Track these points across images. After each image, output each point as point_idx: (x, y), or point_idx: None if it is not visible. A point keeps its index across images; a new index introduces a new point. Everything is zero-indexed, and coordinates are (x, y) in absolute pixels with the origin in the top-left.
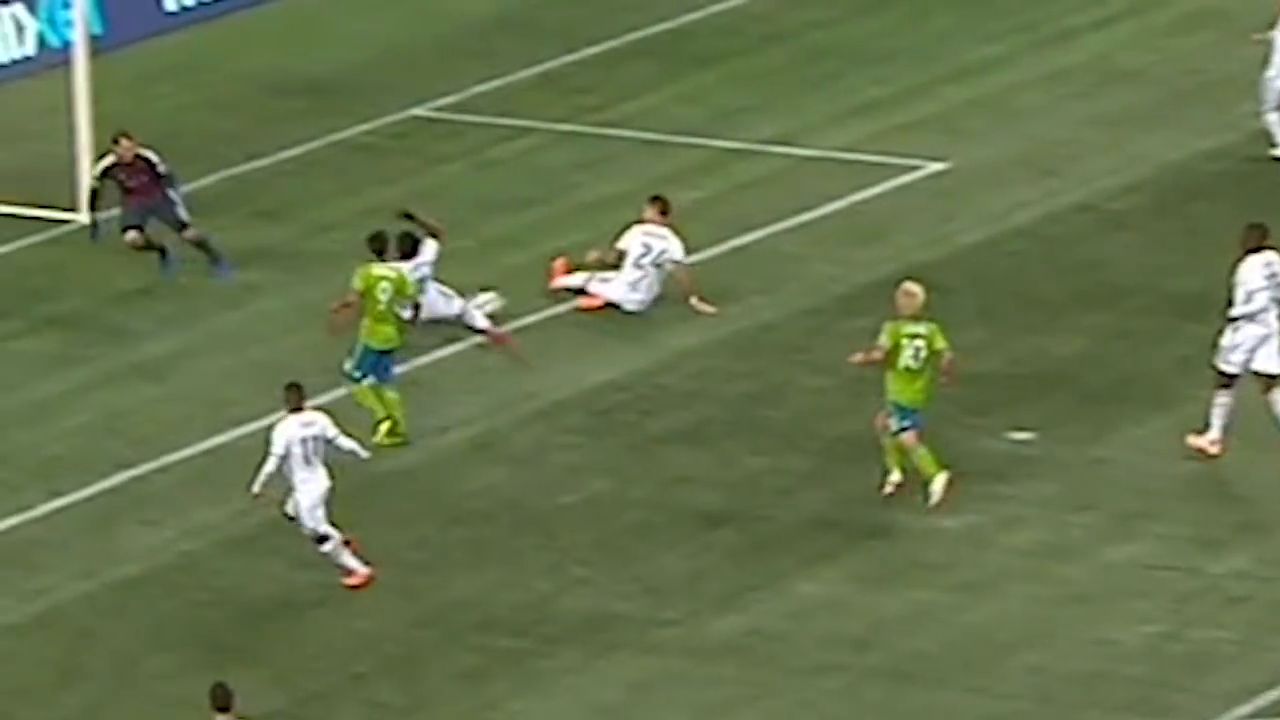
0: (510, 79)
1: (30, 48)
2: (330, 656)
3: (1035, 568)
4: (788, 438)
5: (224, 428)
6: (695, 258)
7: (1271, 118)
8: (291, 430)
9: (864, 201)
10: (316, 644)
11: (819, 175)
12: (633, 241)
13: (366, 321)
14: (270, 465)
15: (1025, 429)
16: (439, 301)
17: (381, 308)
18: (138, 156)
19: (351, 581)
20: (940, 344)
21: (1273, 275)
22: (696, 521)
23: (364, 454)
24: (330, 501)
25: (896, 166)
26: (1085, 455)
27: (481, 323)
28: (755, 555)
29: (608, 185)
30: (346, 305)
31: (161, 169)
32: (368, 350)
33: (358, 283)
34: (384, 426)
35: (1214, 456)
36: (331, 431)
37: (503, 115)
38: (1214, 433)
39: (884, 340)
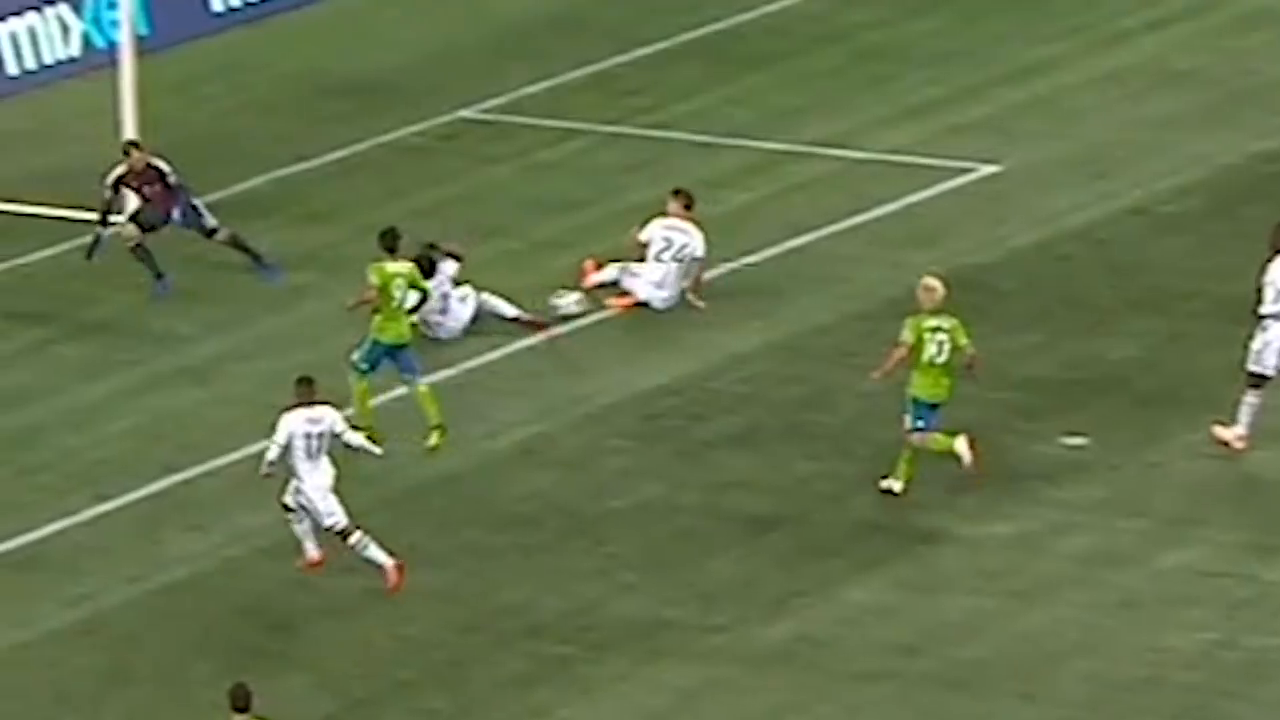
0: (560, 80)
1: (75, 49)
2: (376, 663)
3: (1087, 574)
4: (838, 442)
5: (270, 432)
6: (746, 260)
7: None
8: (296, 424)
9: (916, 204)
10: (363, 650)
11: (871, 177)
12: (654, 235)
13: (379, 318)
14: (271, 454)
15: (1077, 434)
16: (461, 310)
17: (396, 304)
18: (149, 165)
19: (390, 578)
20: (963, 340)
21: None
22: (746, 527)
23: (376, 450)
24: (338, 492)
25: (949, 169)
26: (1138, 460)
27: (508, 310)
28: (805, 561)
29: (658, 187)
30: (364, 302)
31: (172, 180)
32: (376, 345)
33: (374, 278)
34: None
35: (1238, 451)
36: (340, 427)
37: (552, 117)
38: (1240, 429)
39: (906, 335)
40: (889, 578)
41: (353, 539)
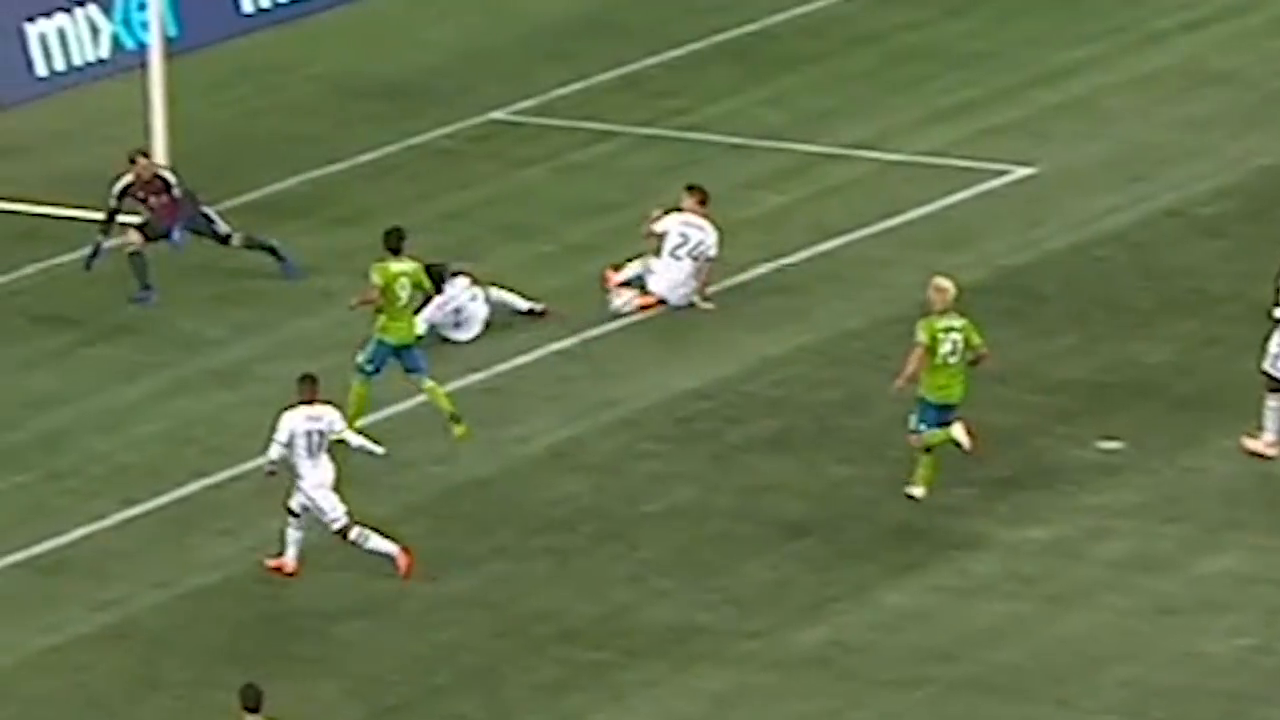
0: (592, 82)
1: (105, 50)
2: (409, 668)
3: (1124, 579)
4: (873, 446)
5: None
6: (779, 263)
7: None
8: (297, 422)
9: (951, 207)
10: (395, 655)
11: (905, 180)
12: (670, 230)
13: (383, 318)
14: (273, 452)
15: (1114, 438)
16: (477, 310)
17: (401, 304)
18: (156, 175)
19: (401, 562)
20: (976, 340)
21: None
22: (780, 531)
23: (378, 450)
24: (337, 490)
25: (983, 171)
26: (1175, 464)
27: (520, 304)
28: (839, 565)
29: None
30: (366, 302)
31: (176, 192)
32: (381, 345)
33: (377, 278)
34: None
35: (1270, 459)
36: (339, 426)
37: (584, 119)
38: (1270, 435)
39: (922, 337)
40: (924, 582)
41: (352, 534)
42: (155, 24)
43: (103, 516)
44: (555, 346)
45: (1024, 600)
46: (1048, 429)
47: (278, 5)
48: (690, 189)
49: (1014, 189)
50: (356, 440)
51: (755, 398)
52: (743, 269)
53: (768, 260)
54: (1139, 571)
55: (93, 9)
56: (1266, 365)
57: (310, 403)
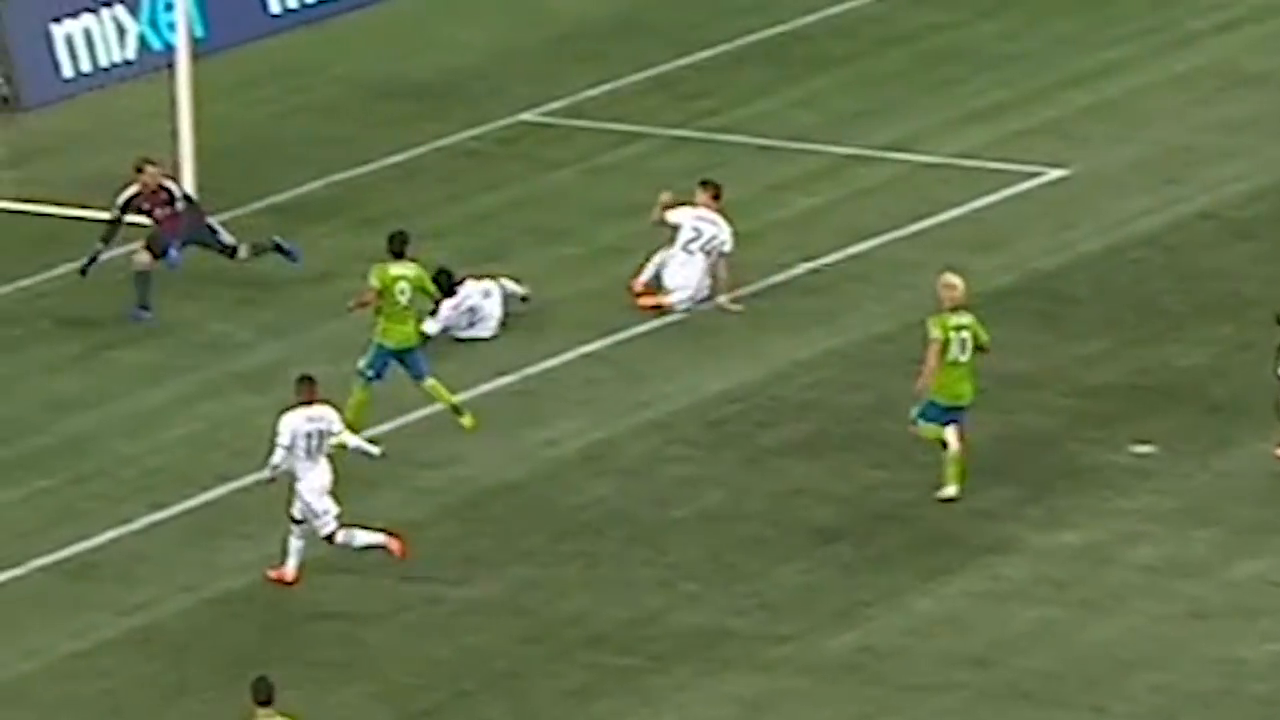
0: (621, 83)
1: (132, 51)
2: (437, 673)
3: (1157, 584)
4: (904, 450)
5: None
6: (810, 265)
7: None
8: (297, 423)
9: (983, 209)
10: (423, 660)
11: (937, 182)
12: (684, 223)
13: (382, 321)
14: (277, 457)
15: (1147, 442)
16: (492, 309)
17: (400, 307)
18: (161, 186)
19: (392, 547)
20: (984, 337)
21: None
22: (811, 535)
23: (374, 451)
24: (335, 492)
25: (1016, 173)
26: (1208, 468)
27: (520, 289)
28: (871, 570)
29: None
30: (363, 304)
31: (180, 205)
32: (381, 349)
33: (374, 281)
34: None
35: None
36: (337, 428)
37: (614, 120)
38: None
39: (937, 333)
40: (956, 587)
41: (339, 538)
42: (182, 25)
43: (129, 521)
44: (585, 349)
45: (1056, 605)
46: (1080, 433)
47: (305, 6)
48: (704, 184)
49: (1046, 191)
50: (354, 441)
51: (786, 401)
52: (773, 271)
53: (798, 263)
54: (1172, 576)
55: (119, 10)
56: None
57: (309, 403)
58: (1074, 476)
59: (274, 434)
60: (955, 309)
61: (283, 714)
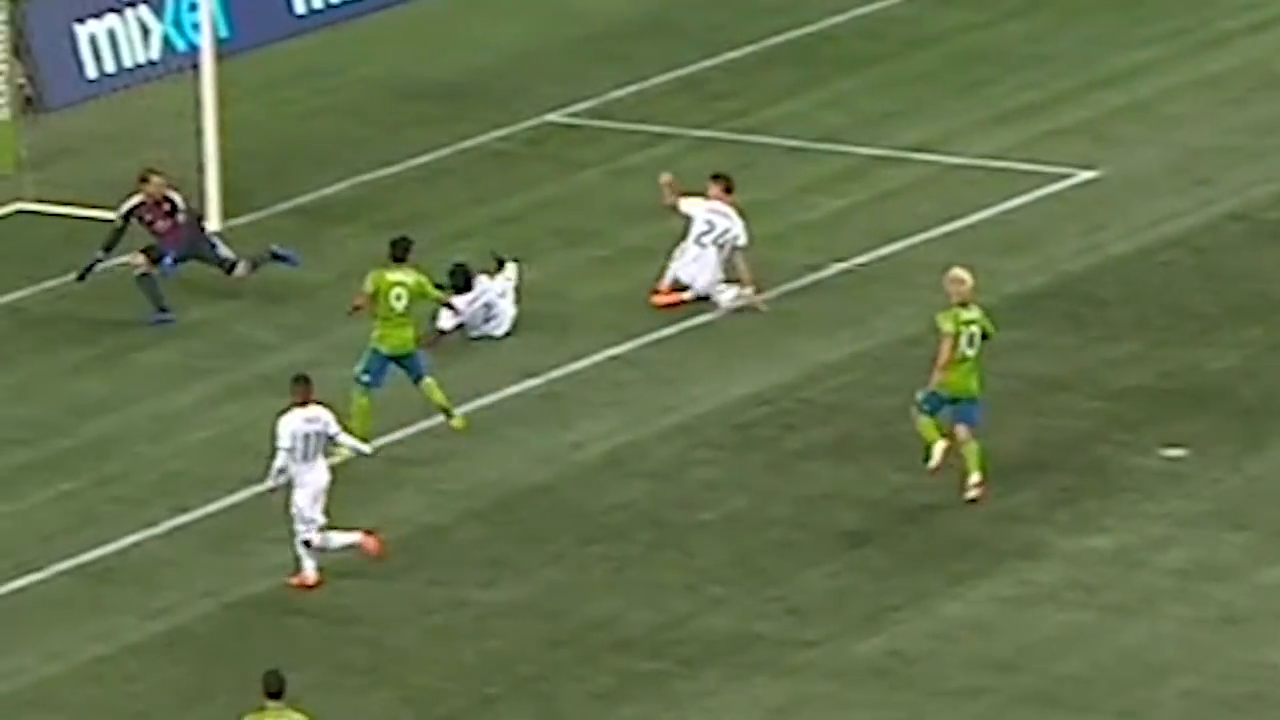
0: (649, 84)
1: (155, 51)
2: (462, 677)
3: (1188, 588)
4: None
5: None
6: (838, 267)
7: None
8: (296, 424)
9: (1012, 210)
10: (448, 664)
11: (965, 183)
12: (696, 216)
13: (378, 325)
14: (280, 460)
15: (1178, 445)
16: (507, 307)
17: (396, 313)
18: (165, 196)
19: (368, 546)
20: (991, 329)
21: None
22: (839, 539)
23: (366, 450)
24: (330, 495)
25: (1045, 174)
26: (1240, 472)
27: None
28: (899, 574)
29: (749, 193)
30: (356, 308)
31: (181, 217)
32: (376, 354)
33: (368, 285)
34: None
35: None
36: (334, 428)
37: (641, 121)
38: None
39: (949, 326)
40: (985, 591)
41: (316, 542)
42: (206, 25)
43: (153, 524)
44: (611, 352)
45: (1086, 610)
46: (1110, 436)
47: (330, 6)
48: (715, 177)
49: (1076, 192)
50: (348, 441)
51: (813, 404)
52: (801, 273)
53: (826, 265)
54: (1202, 580)
55: (143, 10)
56: None
57: (305, 404)
58: (1104, 480)
59: (273, 438)
60: (964, 304)
61: (292, 708)
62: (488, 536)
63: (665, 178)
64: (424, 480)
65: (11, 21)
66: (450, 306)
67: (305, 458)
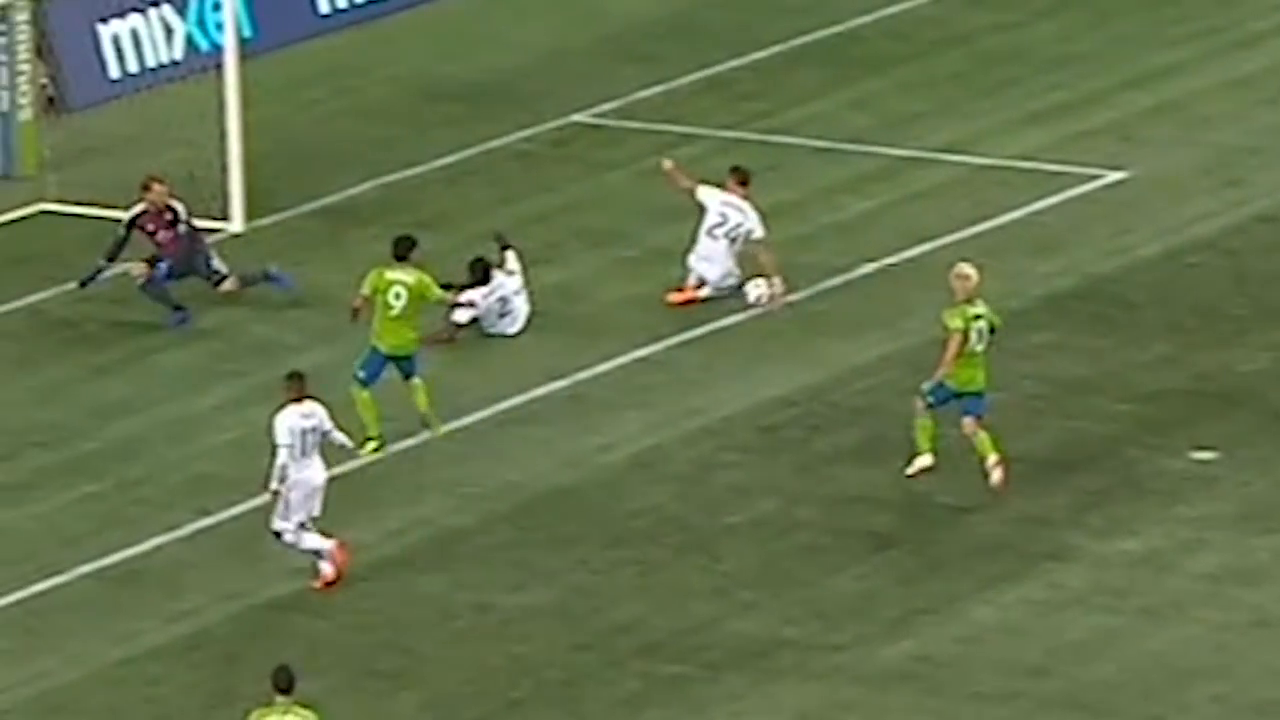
0: (675, 84)
1: (179, 51)
2: (487, 681)
3: (1218, 592)
4: (960, 457)
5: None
6: (866, 269)
7: None
8: (293, 421)
9: (1040, 212)
10: (473, 668)
11: (994, 184)
12: (710, 207)
13: (377, 324)
14: (282, 457)
15: (1208, 448)
16: (521, 305)
17: (394, 312)
18: (167, 205)
19: (334, 559)
20: (998, 323)
21: None
22: (866, 542)
23: (349, 444)
24: (326, 495)
25: (1074, 175)
26: (1270, 475)
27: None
28: (927, 578)
29: (776, 194)
30: (356, 310)
31: (182, 227)
32: (375, 353)
33: (366, 286)
34: (370, 445)
35: None
36: (328, 425)
37: (667, 122)
38: None
39: (958, 323)
40: (1014, 595)
41: (287, 539)
42: (230, 25)
43: (176, 527)
44: (637, 354)
45: (1115, 614)
46: (1140, 439)
47: (354, 5)
48: (733, 170)
49: (1105, 194)
50: (340, 438)
51: (841, 406)
52: (828, 275)
53: (854, 266)
54: (1233, 584)
55: (166, 10)
56: None
57: (299, 400)
58: (1133, 483)
59: (272, 437)
60: (970, 300)
61: (300, 704)
62: (513, 540)
63: (667, 164)
64: (449, 483)
65: (34, 21)
66: (457, 305)
67: (303, 453)
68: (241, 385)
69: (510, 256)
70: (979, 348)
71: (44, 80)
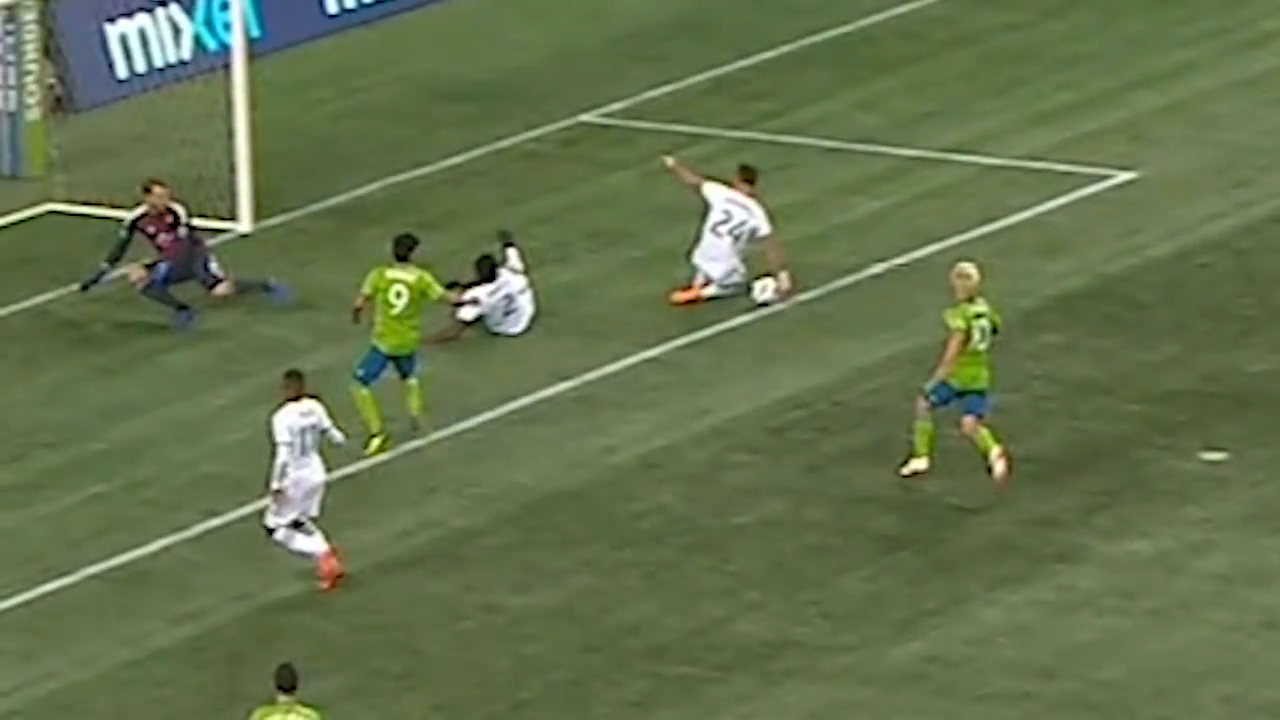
0: (683, 84)
1: (186, 51)
2: (494, 682)
3: (1228, 593)
4: (970, 457)
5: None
6: (875, 269)
7: None
8: (293, 419)
9: (1049, 212)
10: (480, 669)
11: (1003, 185)
12: (715, 203)
13: (377, 323)
14: (283, 455)
15: (1217, 449)
16: (525, 304)
17: (394, 311)
18: (168, 209)
19: (324, 567)
20: (999, 322)
21: None
22: (875, 543)
23: (344, 441)
24: (324, 494)
25: (1083, 176)
26: None
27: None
28: (936, 579)
29: (785, 194)
30: (357, 311)
31: (182, 230)
32: (375, 352)
33: (366, 286)
34: (375, 443)
35: None
36: (326, 423)
37: (675, 122)
38: None
39: (959, 323)
40: (1023, 597)
41: (279, 536)
42: (238, 24)
43: (184, 528)
44: (645, 354)
45: (1125, 615)
46: (1149, 440)
47: (363, 5)
48: (739, 168)
49: (1115, 194)
50: (338, 437)
51: (850, 407)
52: (837, 275)
53: (863, 266)
54: (1243, 585)
55: (174, 9)
56: None
57: (298, 398)
58: (1143, 484)
59: (271, 436)
60: (971, 299)
61: (303, 704)
62: (520, 541)
63: (669, 161)
64: (456, 484)
65: (41, 21)
66: (460, 304)
67: (302, 452)
68: (249, 386)
69: (512, 254)
70: (981, 346)
71: (51, 80)
